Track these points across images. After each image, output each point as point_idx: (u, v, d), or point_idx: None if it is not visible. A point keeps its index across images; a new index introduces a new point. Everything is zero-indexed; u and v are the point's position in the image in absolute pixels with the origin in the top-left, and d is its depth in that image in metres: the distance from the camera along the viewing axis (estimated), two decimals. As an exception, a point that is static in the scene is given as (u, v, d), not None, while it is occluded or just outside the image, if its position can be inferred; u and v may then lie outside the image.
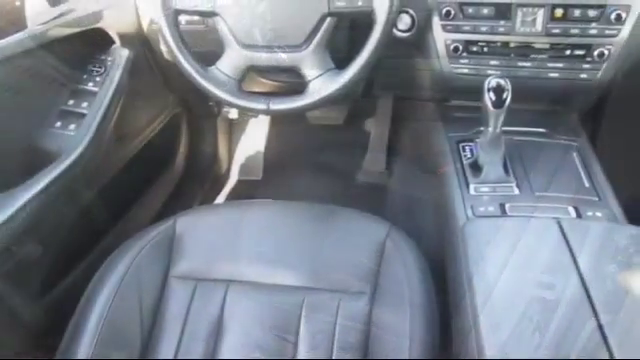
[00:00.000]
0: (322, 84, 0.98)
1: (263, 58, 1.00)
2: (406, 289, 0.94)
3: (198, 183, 1.89)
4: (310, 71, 0.99)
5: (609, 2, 0.99)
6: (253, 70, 1.04)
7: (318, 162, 2.04)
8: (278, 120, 2.06)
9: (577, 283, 0.74)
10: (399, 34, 1.07)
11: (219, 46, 1.02)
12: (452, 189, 1.01)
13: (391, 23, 0.95)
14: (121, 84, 1.18)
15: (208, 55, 1.04)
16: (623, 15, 0.99)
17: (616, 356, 0.65)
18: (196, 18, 1.15)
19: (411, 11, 1.06)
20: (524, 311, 0.72)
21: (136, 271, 1.01)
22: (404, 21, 1.07)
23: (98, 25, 1.17)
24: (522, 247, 0.82)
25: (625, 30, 1.00)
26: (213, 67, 1.02)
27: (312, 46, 0.97)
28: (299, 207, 1.17)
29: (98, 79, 1.17)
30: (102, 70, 1.19)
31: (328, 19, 0.96)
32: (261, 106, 1.01)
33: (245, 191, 1.98)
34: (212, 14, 0.99)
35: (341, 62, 0.99)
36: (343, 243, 1.05)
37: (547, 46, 1.05)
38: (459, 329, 0.80)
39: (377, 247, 1.03)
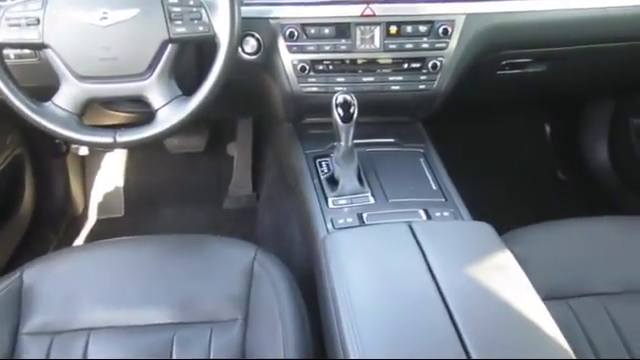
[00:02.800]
0: (170, 112, 0.95)
1: (104, 90, 0.95)
2: (276, 309, 0.94)
3: (51, 229, 1.74)
4: (156, 100, 0.95)
5: (436, 18, 1.08)
6: (95, 102, 0.99)
7: (183, 192, 1.98)
8: (136, 152, 1.98)
9: (429, 283, 0.78)
10: (246, 57, 1.07)
11: (56, 80, 0.96)
12: (312, 205, 1.03)
13: (235, 47, 0.95)
14: None
15: (46, 90, 0.96)
16: (449, 29, 1.08)
17: (472, 355, 0.68)
18: (27, 51, 1.06)
19: (256, 34, 1.06)
20: (382, 317, 0.74)
21: None
22: (250, 44, 1.07)
23: None
24: (378, 254, 0.85)
25: (452, 42, 1.09)
26: (49, 102, 0.95)
27: (156, 74, 0.94)
28: (162, 240, 1.12)
29: None
30: None
31: (170, 46, 0.93)
32: (107, 139, 0.96)
33: (107, 230, 1.86)
34: (41, 46, 0.92)
35: (190, 88, 0.97)
36: (210, 272, 1.03)
37: (389, 61, 1.11)
38: (329, 339, 0.81)
39: (245, 271, 1.01)
